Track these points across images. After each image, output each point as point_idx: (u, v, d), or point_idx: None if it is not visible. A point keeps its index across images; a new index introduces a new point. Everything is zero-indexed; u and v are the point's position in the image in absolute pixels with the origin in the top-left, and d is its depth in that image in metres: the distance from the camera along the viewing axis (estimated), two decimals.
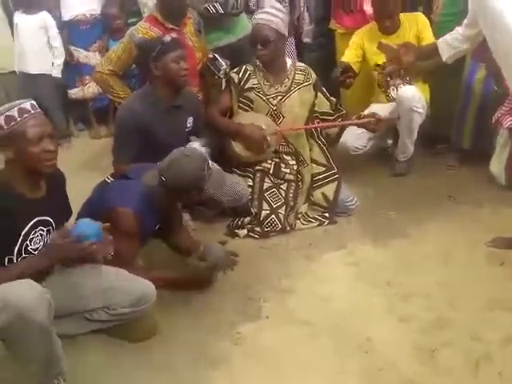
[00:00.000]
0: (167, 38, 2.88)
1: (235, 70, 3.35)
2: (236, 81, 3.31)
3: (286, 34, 3.28)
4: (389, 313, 2.50)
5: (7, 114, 1.99)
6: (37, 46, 4.46)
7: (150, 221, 2.51)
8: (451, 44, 2.87)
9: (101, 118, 4.95)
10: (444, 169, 3.86)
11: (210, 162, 2.47)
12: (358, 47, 3.85)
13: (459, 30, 2.83)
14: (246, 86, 3.31)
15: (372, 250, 3.00)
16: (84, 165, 4.23)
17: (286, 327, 2.44)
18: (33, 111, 2.04)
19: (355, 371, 2.17)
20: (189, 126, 3.05)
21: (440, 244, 3.00)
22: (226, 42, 3.60)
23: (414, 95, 3.55)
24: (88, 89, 4.73)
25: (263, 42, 3.16)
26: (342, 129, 3.59)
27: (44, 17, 4.44)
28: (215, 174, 2.49)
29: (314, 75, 3.44)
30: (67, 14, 4.60)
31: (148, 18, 3.32)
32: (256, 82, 3.31)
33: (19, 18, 4.44)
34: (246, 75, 3.32)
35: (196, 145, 3.07)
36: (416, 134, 3.71)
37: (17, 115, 2.00)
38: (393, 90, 3.79)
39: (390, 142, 4.10)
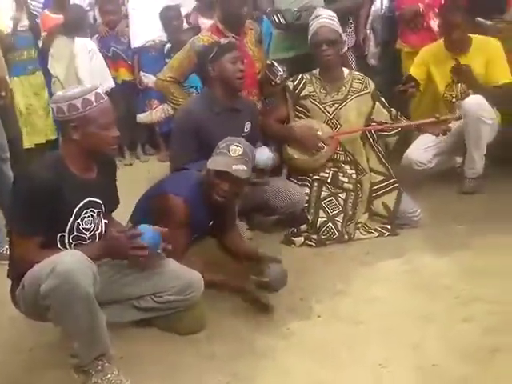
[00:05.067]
0: (224, 41, 2.97)
1: (291, 78, 3.38)
2: (291, 88, 3.34)
3: (344, 40, 3.33)
4: (447, 315, 2.36)
5: (85, 97, 2.07)
6: None
7: (201, 212, 2.52)
8: None
9: (168, 142, 5.08)
10: None
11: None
12: (422, 65, 3.80)
13: None
14: (302, 94, 3.32)
15: (432, 259, 2.85)
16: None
17: (337, 325, 2.37)
18: (105, 97, 2.15)
19: (405, 367, 2.05)
20: (246, 130, 3.07)
21: (506, 257, 2.77)
22: (289, 54, 3.62)
23: (480, 103, 3.42)
24: (156, 113, 4.91)
25: (328, 42, 3.19)
26: (402, 141, 3.50)
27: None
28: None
29: (372, 85, 3.41)
30: (137, 41, 4.83)
31: (210, 28, 3.44)
32: (312, 90, 3.32)
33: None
34: (302, 83, 3.34)
35: (265, 150, 3.15)
36: (485, 147, 3.55)
37: (93, 99, 2.08)
38: (458, 110, 3.62)
39: (459, 160, 3.91)
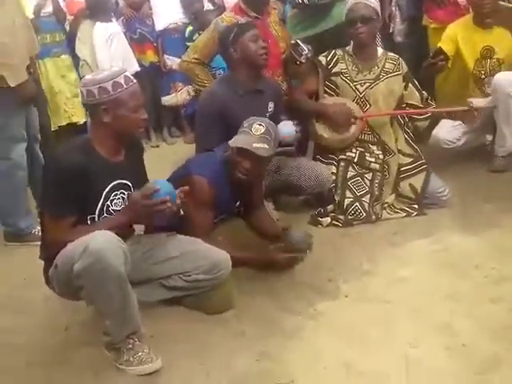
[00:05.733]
0: (241, 20, 2.95)
1: (324, 53, 3.32)
2: (324, 63, 3.29)
3: (380, 17, 3.25)
4: (476, 294, 2.34)
5: (115, 80, 2.09)
6: None
7: (226, 192, 2.54)
8: None
9: (193, 124, 5.09)
10: None
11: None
12: (450, 41, 3.71)
13: None
14: (334, 70, 3.27)
15: (460, 239, 2.83)
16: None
17: (365, 306, 2.37)
18: (134, 80, 2.17)
19: (435, 347, 2.04)
20: (270, 110, 3.05)
21: None
22: (307, 33, 3.58)
23: (510, 80, 3.34)
24: (181, 95, 4.92)
25: (363, 19, 3.12)
26: (432, 124, 3.46)
27: None
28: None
29: (405, 66, 3.35)
30: (160, 24, 4.84)
31: (233, 8, 3.41)
32: (344, 67, 3.27)
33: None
34: (335, 59, 3.28)
35: (289, 123, 3.09)
36: None
37: (123, 82, 2.11)
38: (488, 86, 3.59)
39: (489, 138, 3.84)
